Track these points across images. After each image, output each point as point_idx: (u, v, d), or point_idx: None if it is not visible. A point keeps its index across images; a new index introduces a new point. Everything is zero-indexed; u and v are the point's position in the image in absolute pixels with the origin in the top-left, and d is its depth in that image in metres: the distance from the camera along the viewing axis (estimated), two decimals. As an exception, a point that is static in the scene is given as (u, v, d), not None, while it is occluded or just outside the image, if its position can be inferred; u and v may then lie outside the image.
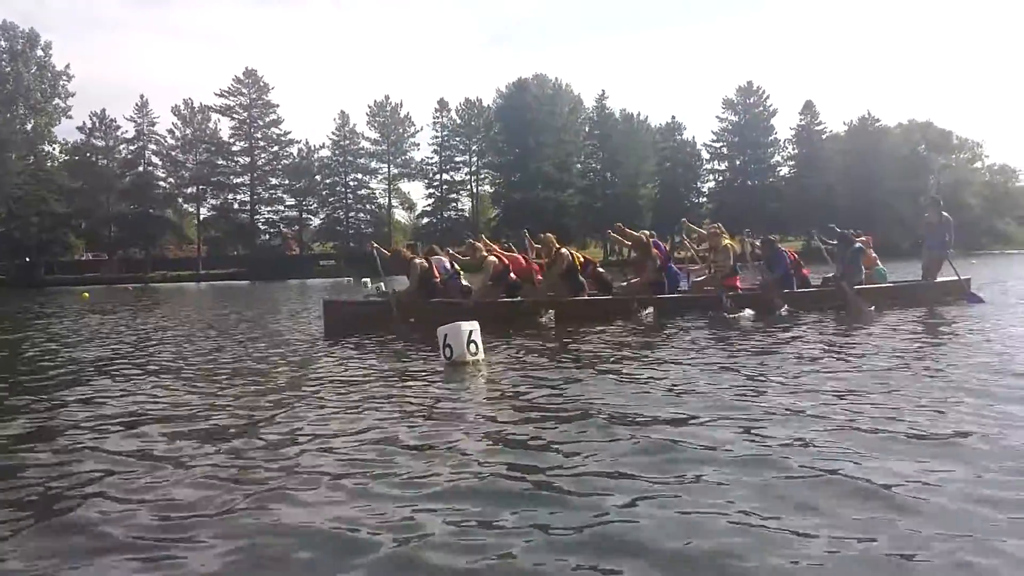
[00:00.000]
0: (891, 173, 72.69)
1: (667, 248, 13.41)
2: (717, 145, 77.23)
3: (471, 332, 7.31)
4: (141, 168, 70.29)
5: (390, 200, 76.39)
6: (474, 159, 76.86)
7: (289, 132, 72.28)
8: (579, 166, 76.50)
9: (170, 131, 71.10)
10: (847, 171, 73.87)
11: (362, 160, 74.33)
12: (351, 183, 74.12)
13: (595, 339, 8.88)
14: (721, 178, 78.19)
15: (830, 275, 13.26)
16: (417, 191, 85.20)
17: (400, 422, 4.65)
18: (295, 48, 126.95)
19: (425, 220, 76.28)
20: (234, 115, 71.07)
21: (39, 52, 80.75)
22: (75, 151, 72.75)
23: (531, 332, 9.66)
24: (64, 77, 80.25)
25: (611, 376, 6.08)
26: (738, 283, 12.35)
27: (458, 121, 75.93)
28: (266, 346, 9.48)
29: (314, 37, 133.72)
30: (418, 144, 76.30)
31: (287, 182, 72.99)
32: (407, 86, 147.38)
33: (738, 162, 76.70)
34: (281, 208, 73.11)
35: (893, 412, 4.43)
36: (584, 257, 12.83)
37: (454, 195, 76.87)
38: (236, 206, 72.48)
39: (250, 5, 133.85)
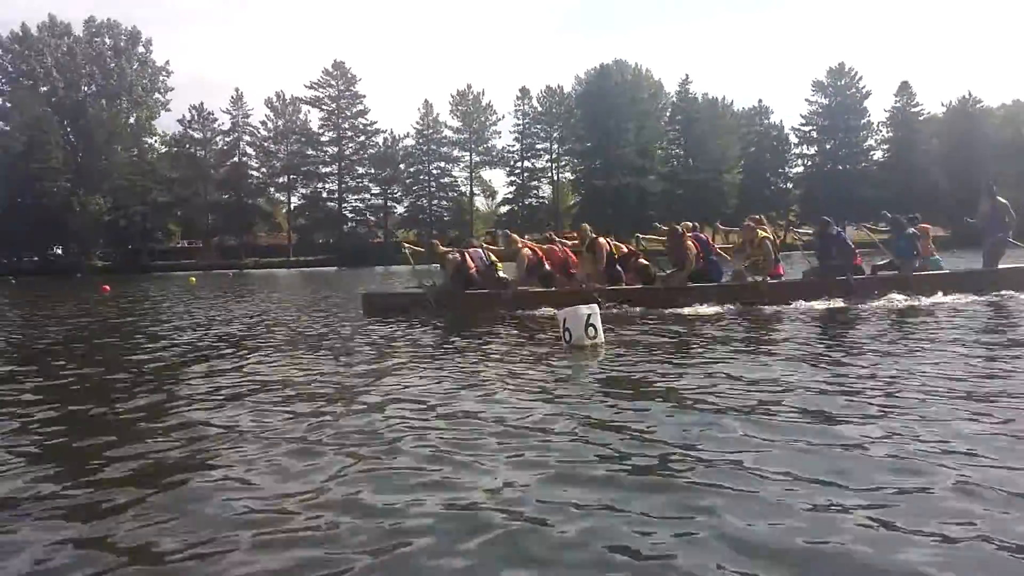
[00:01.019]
0: (993, 157, 68.99)
1: (709, 239, 13.13)
2: (806, 129, 74.90)
3: (589, 316, 7.42)
4: (236, 159, 73.32)
5: (471, 188, 77.30)
6: (555, 146, 76.86)
7: (375, 122, 74.28)
8: (661, 152, 75.51)
9: (263, 123, 74.00)
10: (946, 155, 70.51)
11: (445, 149, 75.51)
12: (434, 171, 75.41)
13: (680, 327, 8.85)
14: (810, 163, 75.83)
15: (881, 262, 12.85)
16: (498, 179, 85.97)
17: (519, 403, 4.81)
18: (380, 40, 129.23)
19: (506, 208, 76.78)
20: (323, 106, 73.34)
21: (140, 48, 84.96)
22: (175, 143, 76.35)
23: (612, 321, 9.70)
24: (164, 72, 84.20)
25: (733, 368, 5.92)
26: (781, 271, 12.15)
27: (539, 109, 76.06)
28: (375, 329, 10.02)
29: (398, 28, 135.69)
30: (499, 132, 76.80)
31: (373, 171, 74.76)
32: (488, 74, 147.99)
33: (828, 146, 74.14)
34: (367, 196, 75.05)
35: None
36: (628, 248, 12.70)
37: (535, 183, 77.14)
38: (324, 195, 74.80)
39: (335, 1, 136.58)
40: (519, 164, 76.32)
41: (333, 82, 73.01)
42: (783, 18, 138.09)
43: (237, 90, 75.56)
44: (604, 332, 7.67)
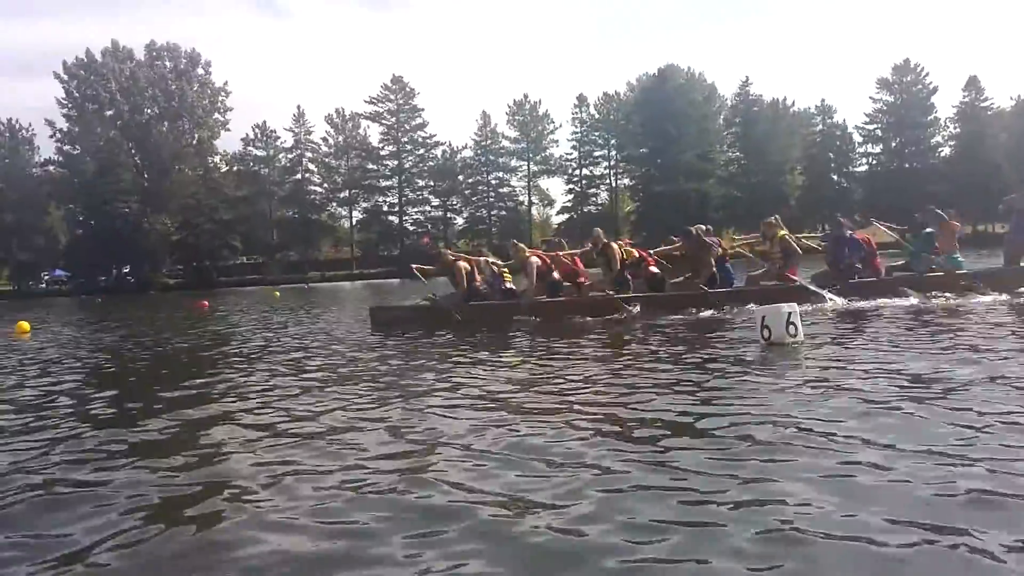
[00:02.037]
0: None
1: (719, 244, 12.69)
2: (870, 127, 73.58)
3: (790, 314, 7.35)
4: (299, 175, 74.43)
5: (530, 197, 77.34)
6: (612, 153, 76.60)
7: (435, 135, 74.72)
8: (720, 156, 74.84)
9: (324, 139, 75.01)
10: (1015, 149, 68.65)
11: (503, 159, 75.69)
12: (492, 181, 75.63)
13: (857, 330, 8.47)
14: (875, 161, 74.41)
15: (898, 263, 12.43)
16: (556, 187, 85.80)
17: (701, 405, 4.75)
18: (437, 53, 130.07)
19: (564, 216, 76.76)
20: (383, 121, 74.06)
21: (200, 70, 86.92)
22: (239, 161, 77.78)
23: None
24: (223, 93, 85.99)
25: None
26: (796, 275, 11.68)
27: (596, 116, 75.95)
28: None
29: (454, 41, 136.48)
30: (556, 140, 76.79)
31: (432, 183, 75.29)
32: (544, 83, 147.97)
33: (893, 144, 72.74)
34: (428, 208, 75.52)
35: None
36: (640, 253, 12.43)
37: (593, 190, 76.99)
38: (385, 208, 75.49)
39: (392, 17, 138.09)
40: (577, 172, 76.22)
41: (392, 96, 73.78)
42: (844, 15, 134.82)
43: (299, 107, 76.56)
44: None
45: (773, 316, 7.38)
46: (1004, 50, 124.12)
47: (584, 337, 9.20)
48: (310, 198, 74.54)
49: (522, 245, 12.71)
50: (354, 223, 76.16)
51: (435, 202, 75.83)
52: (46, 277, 75.00)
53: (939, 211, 12.49)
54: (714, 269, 11.86)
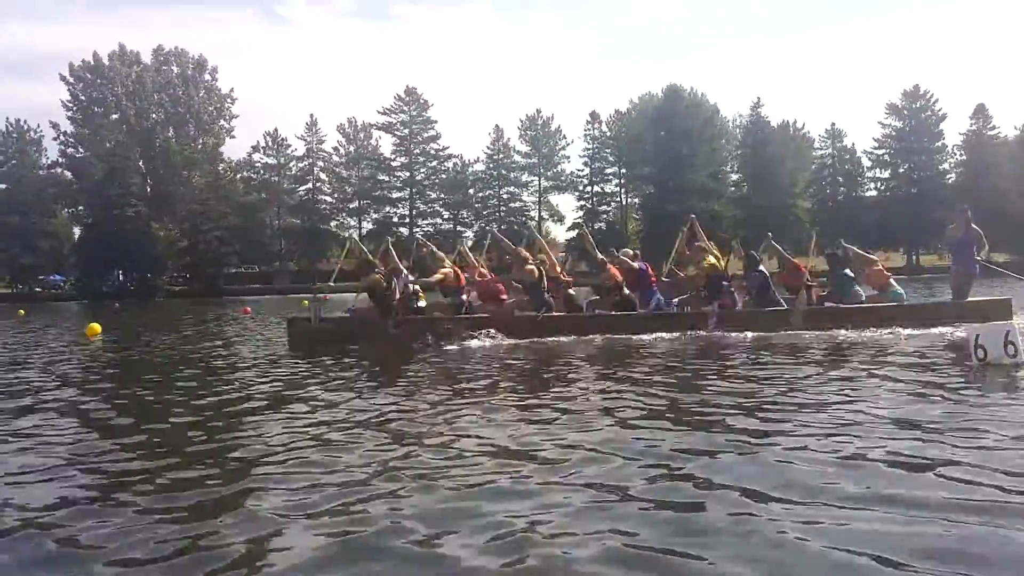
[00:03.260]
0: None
1: (648, 268, 12.37)
2: (879, 152, 74.44)
3: (1008, 332, 7.09)
4: (310, 184, 74.05)
5: (540, 212, 77.32)
6: (622, 170, 76.85)
7: (447, 147, 74.57)
8: (729, 176, 75.36)
9: (335, 148, 74.72)
10: (1018, 178, 69.75)
11: (514, 173, 75.70)
12: (504, 195, 75.59)
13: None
14: (883, 186, 75.20)
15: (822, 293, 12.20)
16: (567, 203, 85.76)
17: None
18: (448, 66, 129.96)
19: (575, 232, 76.59)
20: (395, 132, 73.88)
21: (207, 76, 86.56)
22: (247, 168, 77.31)
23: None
24: (228, 99, 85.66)
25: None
26: (729, 304, 11.56)
27: (608, 133, 76.24)
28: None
29: (469, 54, 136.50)
30: (568, 157, 76.97)
31: (443, 196, 75.14)
32: (557, 99, 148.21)
33: (902, 170, 73.65)
34: (439, 221, 75.26)
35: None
36: (562, 275, 12.16)
37: (604, 207, 77.11)
38: (395, 219, 75.15)
39: (410, 26, 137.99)
40: (588, 188, 76.36)
41: (405, 108, 73.69)
42: (855, 40, 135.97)
43: (311, 116, 76.32)
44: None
45: (989, 335, 7.13)
46: (1010, 79, 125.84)
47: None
48: (320, 207, 74.13)
49: (440, 254, 12.23)
50: (363, 234, 75.64)
51: (446, 215, 75.61)
52: (42, 280, 73.82)
53: (835, 251, 12.47)
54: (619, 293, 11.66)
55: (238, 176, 78.05)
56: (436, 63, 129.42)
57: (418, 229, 74.80)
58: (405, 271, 11.71)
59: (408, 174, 74.46)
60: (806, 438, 4.40)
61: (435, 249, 12.60)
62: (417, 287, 11.62)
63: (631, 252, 12.76)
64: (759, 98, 75.94)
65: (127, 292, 67.01)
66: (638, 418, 5.16)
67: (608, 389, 6.55)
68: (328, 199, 75.22)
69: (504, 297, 11.68)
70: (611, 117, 76.54)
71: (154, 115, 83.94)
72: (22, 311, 35.93)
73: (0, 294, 68.28)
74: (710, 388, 6.42)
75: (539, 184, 76.37)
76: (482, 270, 12.34)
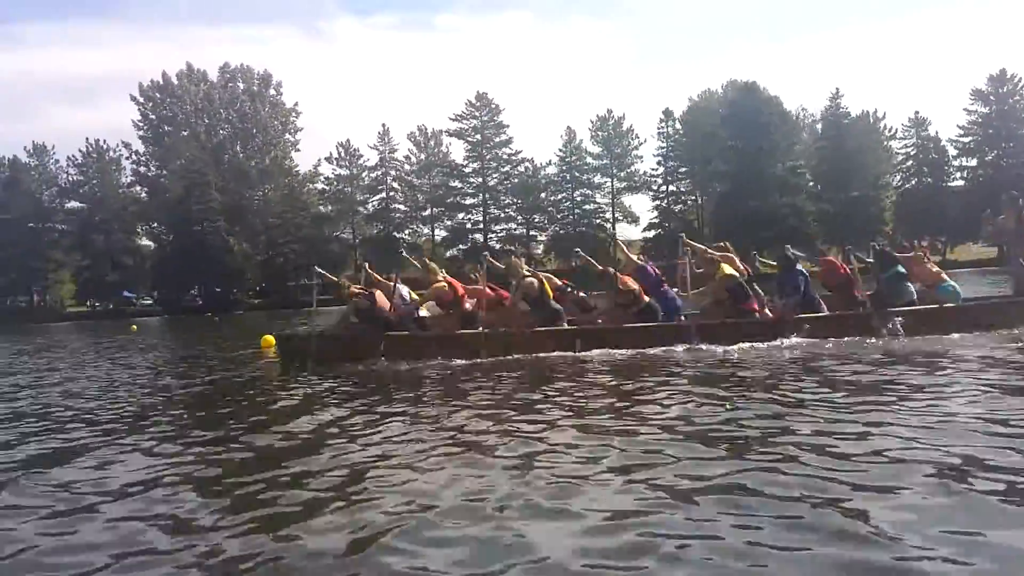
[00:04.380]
0: None
1: (657, 272, 11.17)
2: (965, 140, 72.11)
3: None
4: (383, 193, 74.13)
5: (613, 214, 76.35)
6: (697, 168, 75.53)
7: (520, 151, 74.12)
8: (811, 170, 73.58)
9: (406, 157, 74.72)
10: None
11: (586, 175, 74.93)
12: (577, 198, 74.83)
13: None
14: (970, 175, 72.83)
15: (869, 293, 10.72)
16: (642, 204, 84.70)
17: None
18: (516, 70, 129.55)
19: (651, 233, 75.51)
20: (467, 138, 73.59)
21: (272, 91, 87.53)
22: (315, 179, 77.76)
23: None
24: (293, 113, 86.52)
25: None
26: (754, 307, 10.21)
27: (681, 130, 75.08)
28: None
29: (537, 58, 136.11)
30: (641, 156, 75.90)
31: (516, 201, 74.64)
32: (628, 97, 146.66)
33: (988, 157, 71.25)
34: (513, 226, 74.85)
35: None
36: (564, 281, 11.20)
37: (680, 206, 75.86)
38: (469, 226, 74.86)
39: (453, 36, 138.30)
40: (663, 188, 75.24)
41: (477, 113, 73.37)
42: (936, 25, 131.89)
43: (384, 125, 76.55)
44: None
45: None
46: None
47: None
48: (394, 216, 74.16)
49: (433, 266, 11.13)
50: (438, 241, 75.49)
51: (519, 220, 75.12)
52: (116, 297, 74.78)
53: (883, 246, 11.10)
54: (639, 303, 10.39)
55: (307, 188, 78.54)
56: (483, 71, 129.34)
57: (492, 234, 74.43)
58: (400, 284, 10.93)
59: (481, 179, 74.09)
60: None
61: (427, 261, 11.59)
62: (416, 296, 10.87)
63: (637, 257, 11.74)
64: (837, 89, 73.77)
65: (208, 306, 67.64)
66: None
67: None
68: (401, 207, 75.20)
69: (508, 302, 10.74)
70: (684, 113, 75.38)
71: (222, 131, 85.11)
72: (134, 327, 36.09)
73: (80, 312, 69.79)
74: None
75: (612, 185, 75.44)
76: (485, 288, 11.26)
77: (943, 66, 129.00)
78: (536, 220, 75.37)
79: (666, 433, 4.77)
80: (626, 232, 77.74)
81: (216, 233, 69.75)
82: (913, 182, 72.87)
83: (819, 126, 76.20)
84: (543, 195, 75.21)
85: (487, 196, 74.02)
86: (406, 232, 75.48)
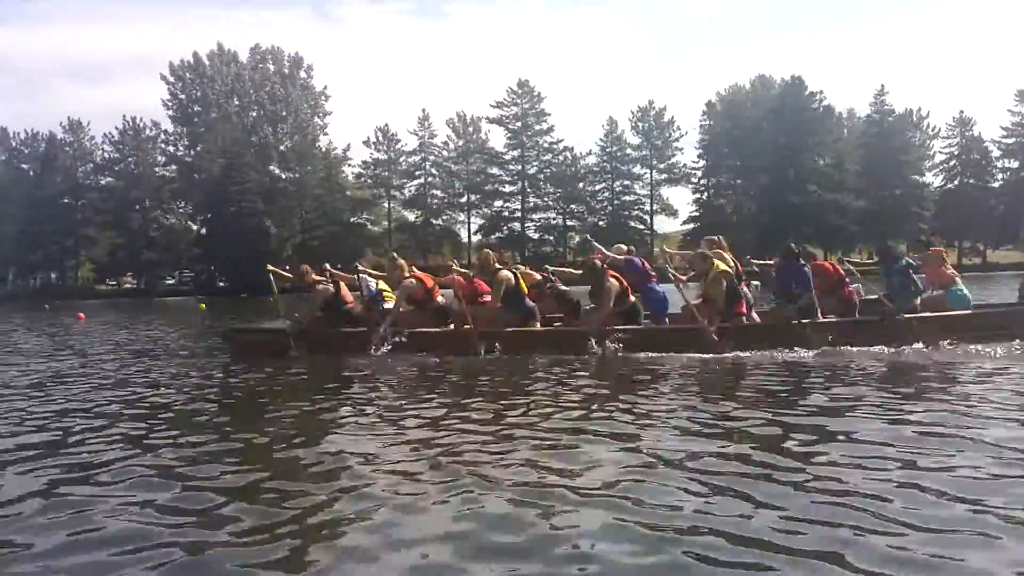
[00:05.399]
0: None
1: (645, 265, 10.28)
2: (1008, 142, 71.76)
3: None
4: (421, 179, 73.53)
5: (652, 205, 75.90)
6: (738, 163, 75.09)
7: (561, 140, 73.61)
8: (852, 167, 73.17)
9: (444, 143, 74.08)
10: None
11: (626, 166, 74.42)
12: (616, 189, 74.33)
13: None
14: (1012, 177, 72.46)
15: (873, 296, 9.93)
16: (681, 196, 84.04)
17: None
18: (555, 58, 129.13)
19: (690, 226, 75.07)
20: (508, 125, 73.00)
21: (302, 74, 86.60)
22: (347, 163, 77.17)
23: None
24: (323, 97, 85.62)
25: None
26: (743, 309, 9.34)
27: (724, 123, 74.58)
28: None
29: (575, 45, 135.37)
30: (682, 148, 75.42)
31: (554, 190, 74.11)
32: (671, 88, 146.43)
33: (1032, 159, 71.03)
34: (550, 216, 74.28)
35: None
36: (543, 275, 10.60)
37: (720, 200, 75.43)
38: (506, 214, 74.31)
39: (461, 25, 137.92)
40: (704, 180, 74.78)
41: (519, 101, 72.76)
42: (982, 24, 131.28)
43: (424, 110, 76.03)
44: None
45: None
46: None
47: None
48: (431, 202, 73.54)
49: (401, 261, 10.27)
50: (474, 228, 75.03)
51: (558, 209, 74.60)
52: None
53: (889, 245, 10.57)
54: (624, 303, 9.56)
55: (343, 171, 77.83)
56: (545, 56, 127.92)
57: (530, 223, 73.94)
58: (368, 277, 10.24)
59: (520, 168, 73.51)
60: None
61: (395, 256, 10.81)
62: (383, 286, 10.16)
63: (624, 249, 10.99)
64: (883, 86, 73.30)
65: (244, 287, 66.92)
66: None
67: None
68: (438, 193, 74.58)
69: (487, 299, 9.91)
70: (726, 107, 74.88)
71: (253, 113, 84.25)
72: (203, 305, 35.40)
73: (110, 290, 69.19)
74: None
75: (651, 177, 74.94)
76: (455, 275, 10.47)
77: (988, 65, 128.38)
78: (574, 210, 74.78)
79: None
80: (664, 225, 77.43)
81: (253, 214, 69.01)
82: (956, 182, 72.44)
83: (859, 122, 75.60)
84: (581, 185, 74.62)
85: (526, 184, 73.42)
86: (441, 219, 74.85)
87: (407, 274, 9.92)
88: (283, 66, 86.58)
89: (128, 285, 73.17)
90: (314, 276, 10.14)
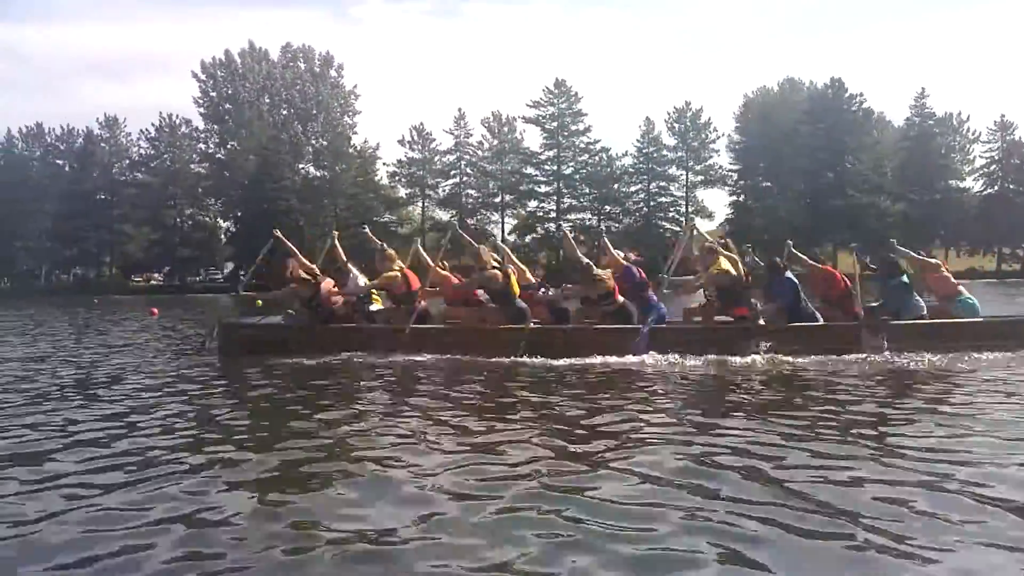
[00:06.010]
0: None
1: (643, 276, 10.19)
2: (1047, 145, 70.90)
3: None
4: (456, 178, 73.29)
5: (687, 207, 75.32)
6: (772, 165, 74.41)
7: (598, 140, 73.19)
8: (893, 170, 72.45)
9: (479, 143, 73.80)
10: None
11: (662, 168, 73.94)
12: (653, 190, 73.84)
13: None
14: (1052, 182, 71.56)
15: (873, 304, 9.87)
16: (718, 198, 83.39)
17: None
18: (597, 59, 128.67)
19: (728, 228, 74.36)
20: (544, 125, 72.64)
21: (332, 73, 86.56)
22: (397, 162, 77.05)
23: None
24: (352, 96, 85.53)
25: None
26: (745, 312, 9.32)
27: (757, 127, 73.99)
28: None
29: (616, 47, 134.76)
30: (718, 150, 74.84)
31: (590, 191, 73.70)
32: (707, 90, 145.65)
33: (1072, 165, 70.04)
34: (586, 216, 73.79)
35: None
36: (537, 278, 10.51)
37: (757, 202, 74.78)
38: (541, 214, 73.94)
39: (479, 24, 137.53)
40: (740, 182, 74.18)
41: (555, 100, 72.40)
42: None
43: (460, 109, 75.53)
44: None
45: None
46: None
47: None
48: (466, 202, 73.25)
49: (391, 253, 10.14)
50: (507, 230, 74.57)
51: (592, 209, 74.13)
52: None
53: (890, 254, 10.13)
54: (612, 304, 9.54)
55: (376, 169, 77.69)
56: (581, 57, 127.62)
57: (566, 223, 73.43)
58: (355, 271, 10.27)
59: (555, 168, 73.10)
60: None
61: (384, 246, 10.52)
62: (369, 283, 10.21)
63: (629, 256, 10.89)
64: (923, 89, 72.58)
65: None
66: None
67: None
68: (473, 192, 74.27)
69: (479, 305, 9.90)
70: (762, 108, 74.30)
71: (284, 111, 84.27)
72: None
73: (146, 285, 69.16)
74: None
75: (687, 178, 74.38)
76: (442, 272, 10.32)
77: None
78: (610, 211, 74.29)
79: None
80: (699, 227, 76.65)
81: (288, 212, 68.89)
82: (996, 187, 71.61)
83: (891, 126, 74.94)
84: (616, 186, 74.13)
85: (561, 184, 73.02)
86: (476, 218, 74.52)
87: (394, 267, 9.92)
88: (314, 64, 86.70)
89: (154, 282, 73.26)
90: (299, 273, 9.97)
